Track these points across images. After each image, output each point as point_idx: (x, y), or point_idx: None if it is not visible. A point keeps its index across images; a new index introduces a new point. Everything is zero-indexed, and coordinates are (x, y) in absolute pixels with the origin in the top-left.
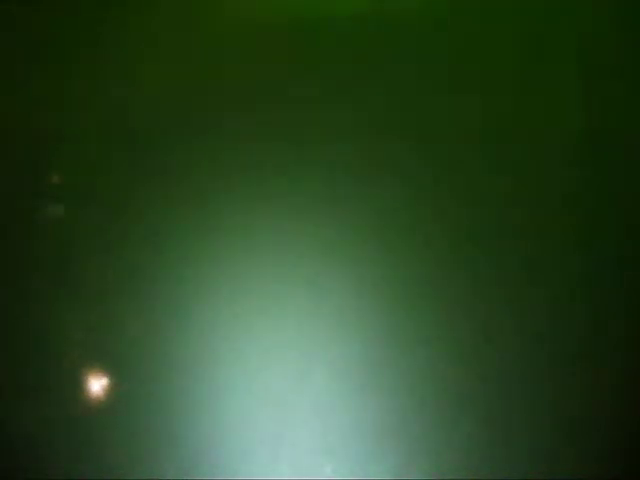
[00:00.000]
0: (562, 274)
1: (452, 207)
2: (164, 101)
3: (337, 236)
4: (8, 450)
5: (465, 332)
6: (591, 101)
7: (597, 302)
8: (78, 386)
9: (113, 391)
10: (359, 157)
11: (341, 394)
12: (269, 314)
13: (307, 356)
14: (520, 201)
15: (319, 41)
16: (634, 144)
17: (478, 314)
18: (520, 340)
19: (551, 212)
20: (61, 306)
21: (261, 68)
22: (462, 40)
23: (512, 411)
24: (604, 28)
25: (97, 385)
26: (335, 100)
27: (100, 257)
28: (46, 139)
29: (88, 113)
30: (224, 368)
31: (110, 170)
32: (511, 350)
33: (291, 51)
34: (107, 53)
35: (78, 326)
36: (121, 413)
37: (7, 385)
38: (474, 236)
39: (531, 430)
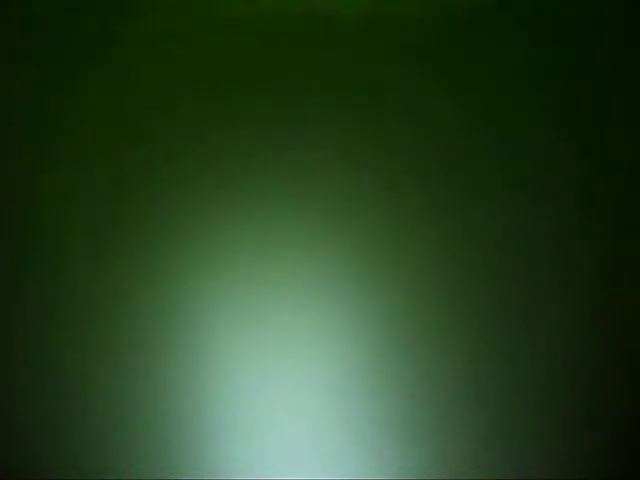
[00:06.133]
0: (568, 275)
1: (454, 211)
2: (163, 104)
3: (338, 238)
4: (6, 450)
5: (467, 333)
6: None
7: (600, 305)
8: (77, 386)
9: (114, 392)
10: (359, 158)
11: (342, 395)
12: (268, 316)
13: (309, 357)
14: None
15: (318, 37)
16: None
17: (480, 315)
18: (520, 342)
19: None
20: (59, 307)
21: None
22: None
23: (511, 411)
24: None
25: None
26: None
27: (98, 260)
28: (45, 140)
29: (87, 117)
30: (225, 369)
31: (109, 173)
32: (511, 352)
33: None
34: (104, 53)
35: (76, 327)
36: (122, 414)
37: (7, 385)
38: (474, 238)
39: (530, 431)
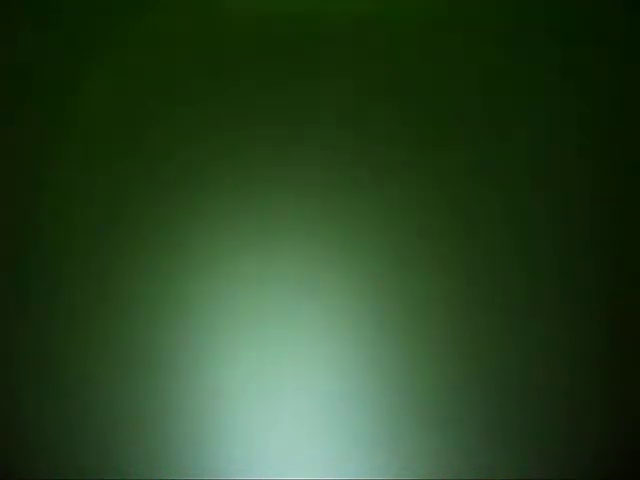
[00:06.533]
0: (568, 275)
1: (452, 207)
2: (164, 105)
3: (337, 237)
4: (7, 449)
5: (468, 333)
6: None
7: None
8: (78, 387)
9: (113, 392)
10: (359, 157)
11: (342, 395)
12: (268, 316)
13: (309, 357)
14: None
15: (321, 38)
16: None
17: (480, 315)
18: (521, 342)
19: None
20: (59, 307)
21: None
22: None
23: (512, 411)
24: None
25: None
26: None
27: (98, 260)
28: (46, 139)
29: (87, 116)
30: (225, 370)
31: (110, 173)
32: (512, 351)
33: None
34: (106, 51)
35: (77, 326)
36: (122, 414)
37: (7, 385)
38: (474, 235)
39: (530, 431)
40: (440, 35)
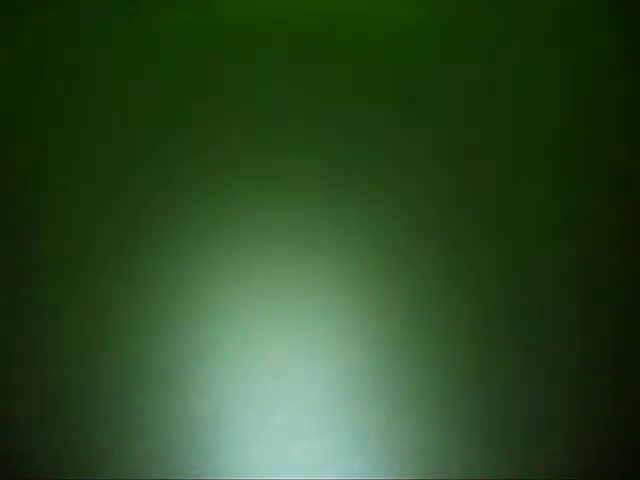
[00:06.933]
0: (562, 275)
1: (452, 206)
2: (163, 112)
3: (338, 237)
4: (7, 449)
5: (468, 332)
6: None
7: (594, 304)
8: (76, 386)
9: (114, 392)
10: (359, 157)
11: (343, 395)
12: (268, 314)
13: (310, 356)
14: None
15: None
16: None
17: (478, 315)
18: (519, 342)
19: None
20: (62, 307)
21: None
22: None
23: (512, 411)
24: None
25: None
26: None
27: (104, 261)
28: (53, 144)
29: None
30: (225, 369)
31: (110, 173)
32: (510, 352)
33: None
34: (105, 60)
35: (77, 326)
36: (122, 414)
37: (7, 385)
38: (475, 234)
39: (530, 431)
40: (440, 35)
